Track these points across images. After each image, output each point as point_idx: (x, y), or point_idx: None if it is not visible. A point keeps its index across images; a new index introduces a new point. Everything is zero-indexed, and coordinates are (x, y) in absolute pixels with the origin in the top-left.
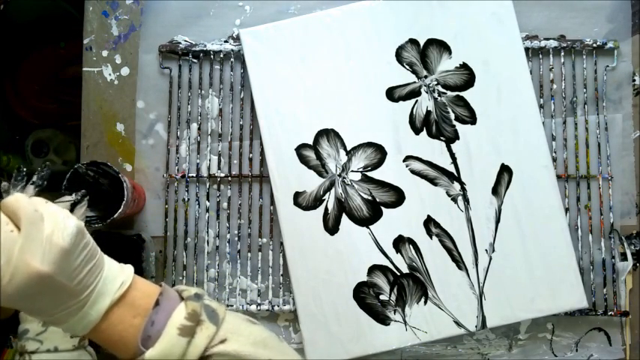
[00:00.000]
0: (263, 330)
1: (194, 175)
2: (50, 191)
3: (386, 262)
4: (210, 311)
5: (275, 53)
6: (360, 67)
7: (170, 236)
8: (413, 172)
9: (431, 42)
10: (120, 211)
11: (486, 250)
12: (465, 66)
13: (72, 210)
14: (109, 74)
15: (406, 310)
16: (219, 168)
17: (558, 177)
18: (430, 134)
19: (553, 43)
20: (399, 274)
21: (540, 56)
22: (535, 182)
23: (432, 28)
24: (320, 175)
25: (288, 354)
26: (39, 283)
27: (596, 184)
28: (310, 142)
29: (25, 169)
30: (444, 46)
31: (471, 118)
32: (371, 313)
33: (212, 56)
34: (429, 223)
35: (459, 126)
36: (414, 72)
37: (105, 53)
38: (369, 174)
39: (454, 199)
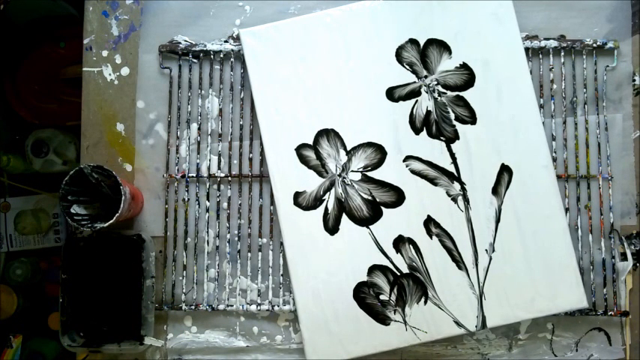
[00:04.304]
0: None
1: (194, 175)
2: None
3: (386, 262)
4: None
5: (275, 53)
6: (360, 67)
7: (170, 236)
8: (413, 172)
9: (431, 42)
10: (110, 222)
11: (486, 250)
12: (465, 66)
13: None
14: (109, 74)
15: (406, 310)
16: (219, 168)
17: (558, 177)
18: (430, 134)
19: (553, 43)
20: (399, 274)
21: (540, 56)
22: (535, 182)
23: (432, 28)
24: (320, 175)
25: None
26: None
27: (596, 184)
28: (310, 142)
29: None
30: (444, 46)
31: (471, 118)
32: (371, 313)
33: (212, 56)
34: (429, 223)
35: (459, 126)
36: (414, 72)
37: (105, 53)
38: (369, 174)
39: (454, 199)
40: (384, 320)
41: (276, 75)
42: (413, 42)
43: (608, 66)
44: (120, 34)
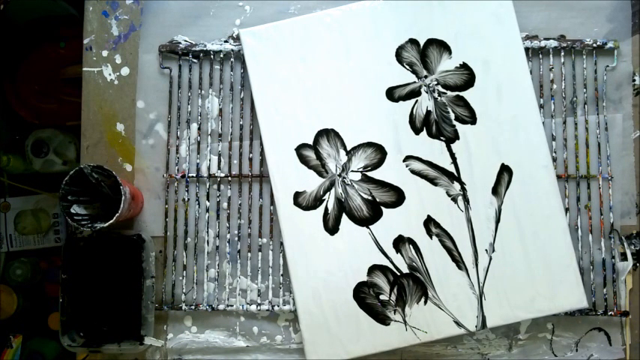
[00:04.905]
0: None
1: (194, 175)
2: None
3: (386, 262)
4: None
5: (275, 53)
6: (360, 67)
7: (170, 236)
8: (413, 172)
9: (431, 42)
10: (110, 222)
11: (486, 250)
12: (465, 66)
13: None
14: (109, 74)
15: (406, 310)
16: (219, 168)
17: (558, 177)
18: (430, 134)
19: (553, 43)
20: (399, 274)
21: (540, 56)
22: (535, 182)
23: (432, 28)
24: (320, 175)
25: None
26: None
27: (596, 184)
28: (310, 142)
29: None
30: (444, 46)
31: (471, 118)
32: (371, 313)
33: (212, 56)
34: (429, 223)
35: (459, 126)
36: (414, 72)
37: (105, 53)
38: (369, 174)
39: (454, 199)
40: (384, 320)
41: (276, 75)
42: (413, 42)
43: (608, 66)
44: (120, 34)
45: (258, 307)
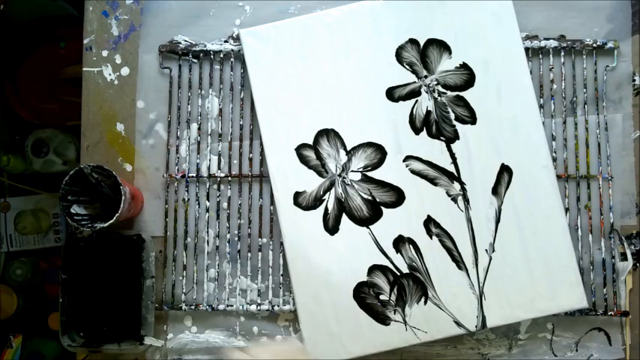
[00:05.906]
0: None
1: (194, 175)
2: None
3: (386, 262)
4: None
5: (275, 53)
6: (360, 67)
7: (170, 236)
8: (413, 172)
9: (431, 42)
10: (110, 222)
11: (486, 250)
12: (465, 66)
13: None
14: (109, 74)
15: (406, 310)
16: (219, 168)
17: (558, 177)
18: (430, 134)
19: (553, 43)
20: (399, 274)
21: (540, 56)
22: (535, 182)
23: (432, 28)
24: (320, 175)
25: None
26: None
27: (596, 184)
28: (310, 142)
29: None
30: (444, 46)
31: (471, 118)
32: (371, 313)
33: (212, 56)
34: (429, 223)
35: (459, 126)
36: (414, 72)
37: (105, 53)
38: (369, 174)
39: (454, 199)
40: (384, 320)
41: (276, 75)
42: (413, 42)
43: (608, 66)
44: (120, 34)
45: (258, 307)
